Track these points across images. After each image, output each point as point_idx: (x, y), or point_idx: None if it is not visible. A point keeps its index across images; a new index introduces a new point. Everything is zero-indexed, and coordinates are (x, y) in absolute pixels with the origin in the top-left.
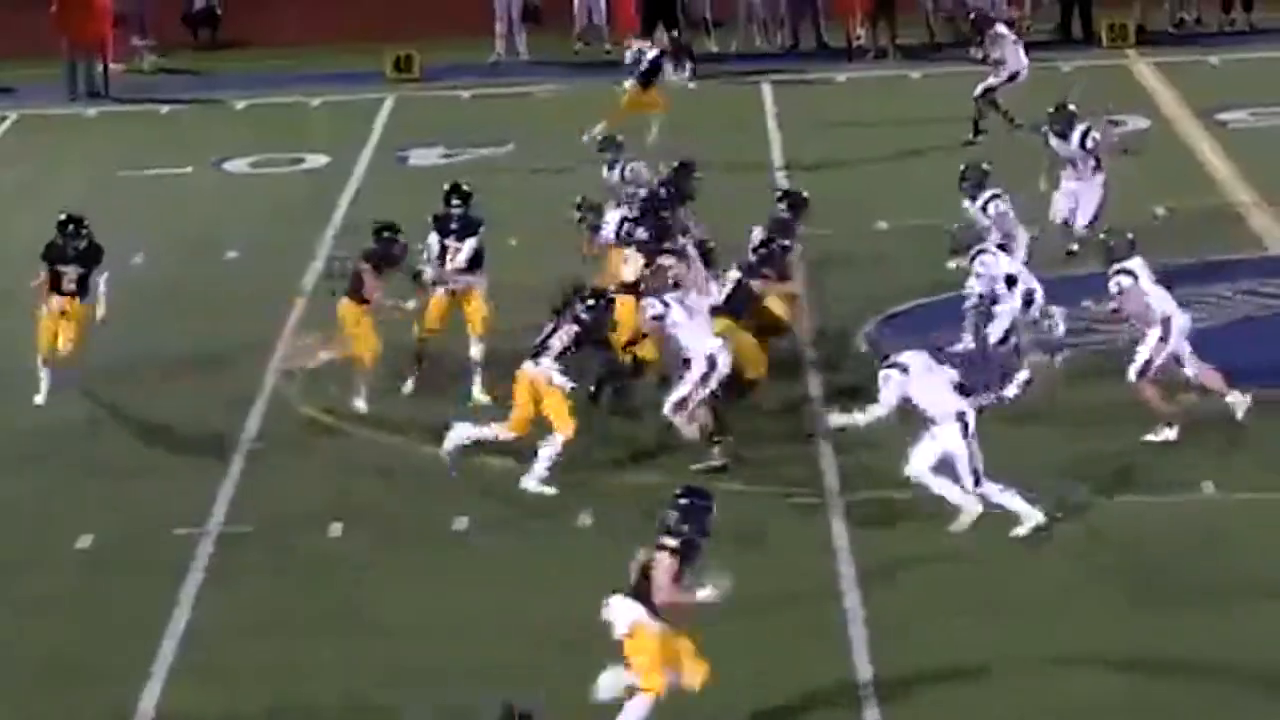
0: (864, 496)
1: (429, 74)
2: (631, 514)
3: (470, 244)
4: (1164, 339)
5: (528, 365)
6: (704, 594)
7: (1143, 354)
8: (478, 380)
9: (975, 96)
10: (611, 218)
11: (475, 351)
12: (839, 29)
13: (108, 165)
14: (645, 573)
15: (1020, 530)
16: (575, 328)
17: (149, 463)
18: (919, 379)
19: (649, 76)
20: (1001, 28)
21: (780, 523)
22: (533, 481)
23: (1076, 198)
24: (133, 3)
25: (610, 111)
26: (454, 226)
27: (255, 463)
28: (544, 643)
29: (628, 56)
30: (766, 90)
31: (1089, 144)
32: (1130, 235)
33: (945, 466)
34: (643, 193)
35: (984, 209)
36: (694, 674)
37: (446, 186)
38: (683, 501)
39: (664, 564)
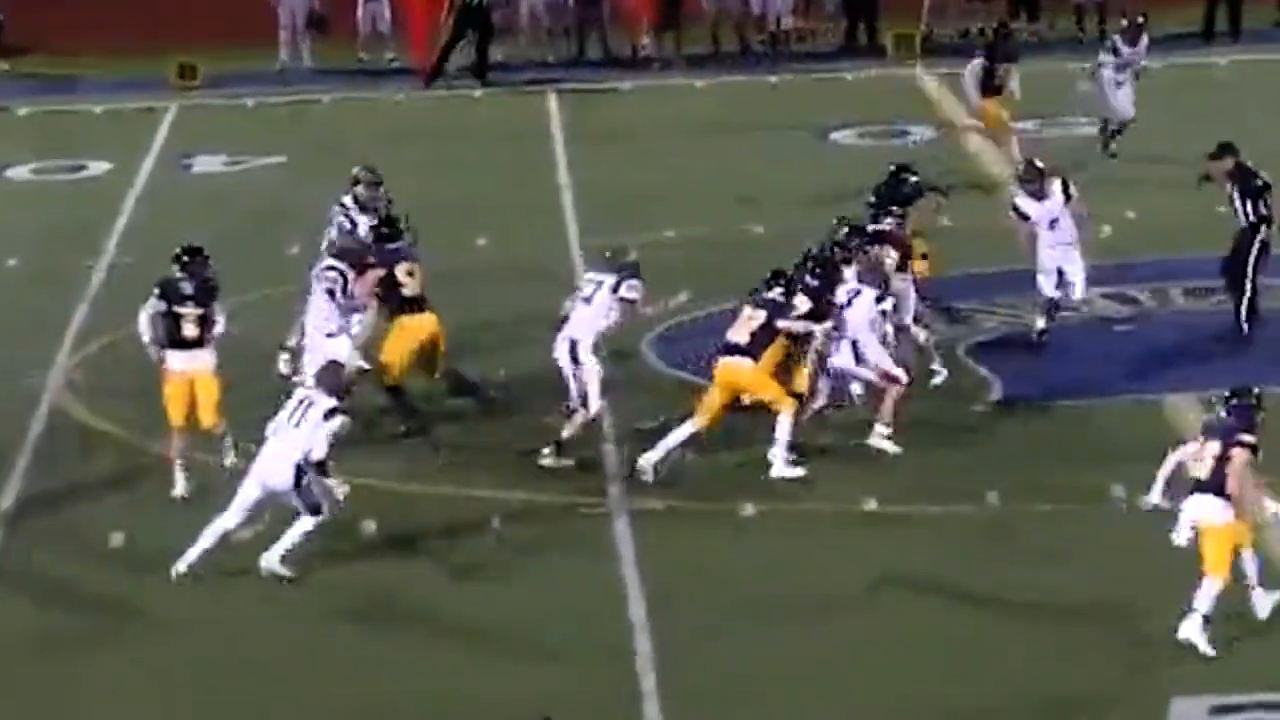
0: (649, 506)
1: (212, 81)
2: (414, 523)
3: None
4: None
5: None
6: (1271, 504)
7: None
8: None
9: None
10: None
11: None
12: (625, 38)
13: None
14: (1221, 465)
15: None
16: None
17: None
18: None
19: (989, 89)
20: None
21: (564, 530)
22: (779, 467)
23: (1061, 264)
24: None
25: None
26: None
27: (35, 474)
28: (315, 637)
29: (967, 76)
30: (552, 99)
31: (1073, 194)
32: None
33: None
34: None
35: None
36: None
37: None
38: (1235, 402)
39: (1242, 458)
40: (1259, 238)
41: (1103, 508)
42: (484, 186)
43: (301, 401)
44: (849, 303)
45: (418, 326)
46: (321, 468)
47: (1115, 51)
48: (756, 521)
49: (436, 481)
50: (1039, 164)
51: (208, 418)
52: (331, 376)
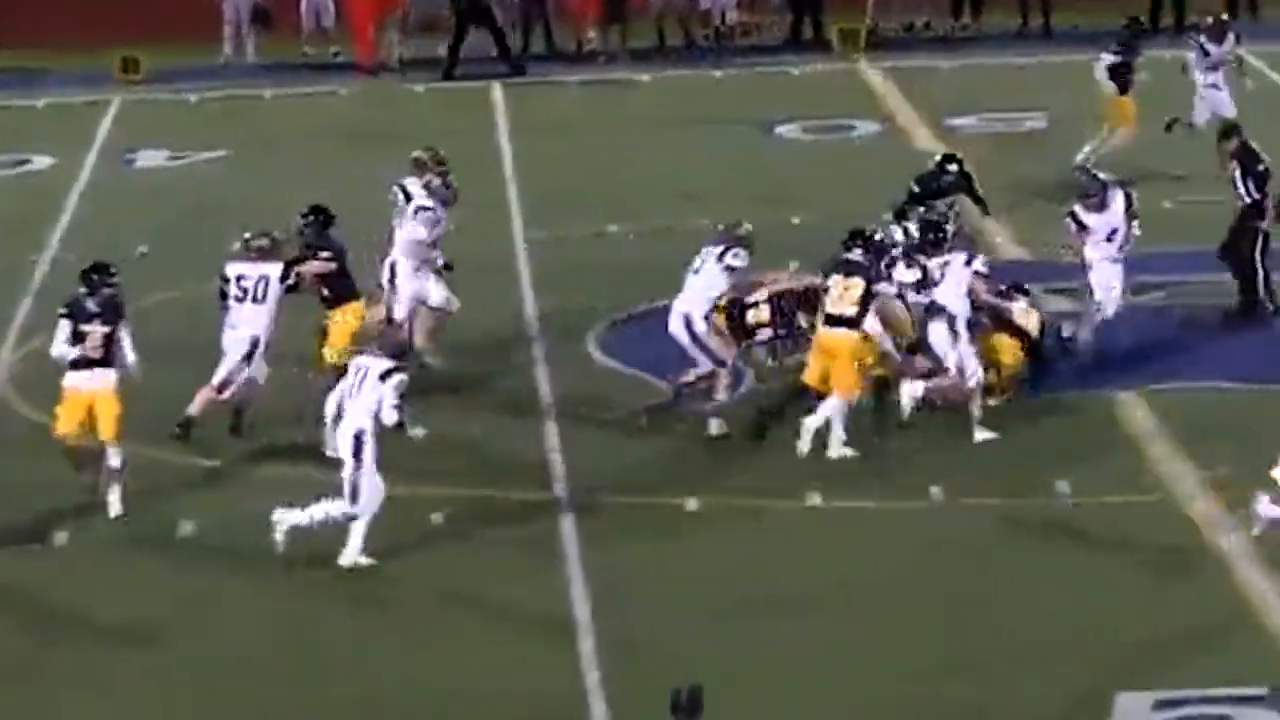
0: (595, 501)
1: (156, 76)
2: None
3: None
4: None
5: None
6: None
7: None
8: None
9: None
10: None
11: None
12: (570, 32)
13: None
14: None
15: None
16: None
17: None
18: None
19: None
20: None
21: (510, 526)
22: (836, 448)
23: (1109, 276)
24: None
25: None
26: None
27: None
28: (238, 626)
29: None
30: (497, 93)
31: (1135, 206)
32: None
33: None
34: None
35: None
36: None
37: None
38: None
39: None
40: (1260, 223)
41: (1048, 504)
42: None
43: (357, 371)
44: (941, 275)
45: (358, 312)
46: (400, 428)
47: (1205, 52)
48: (701, 517)
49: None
50: (1102, 175)
51: (107, 432)
52: (390, 339)
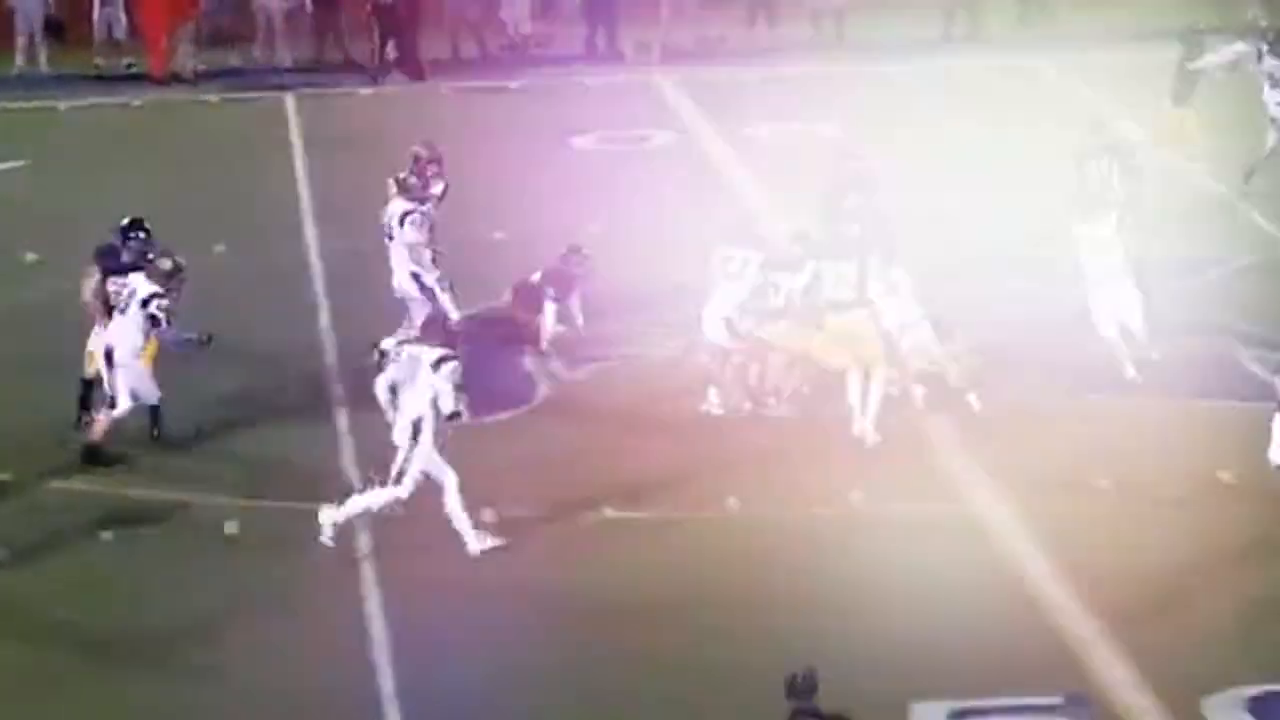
0: (390, 511)
1: None
2: (146, 530)
3: None
4: None
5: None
6: None
7: None
8: None
9: None
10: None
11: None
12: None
13: None
14: None
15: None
16: None
17: None
18: None
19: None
20: None
21: (304, 535)
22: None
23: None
24: None
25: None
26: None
27: None
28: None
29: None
30: (290, 104)
31: (1128, 224)
32: None
33: None
34: None
35: None
36: None
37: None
38: None
39: None
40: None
41: (842, 513)
42: (222, 191)
43: (410, 362)
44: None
45: None
46: (455, 417)
47: (1261, 61)
48: (498, 525)
49: (167, 487)
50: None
51: None
52: (436, 329)
